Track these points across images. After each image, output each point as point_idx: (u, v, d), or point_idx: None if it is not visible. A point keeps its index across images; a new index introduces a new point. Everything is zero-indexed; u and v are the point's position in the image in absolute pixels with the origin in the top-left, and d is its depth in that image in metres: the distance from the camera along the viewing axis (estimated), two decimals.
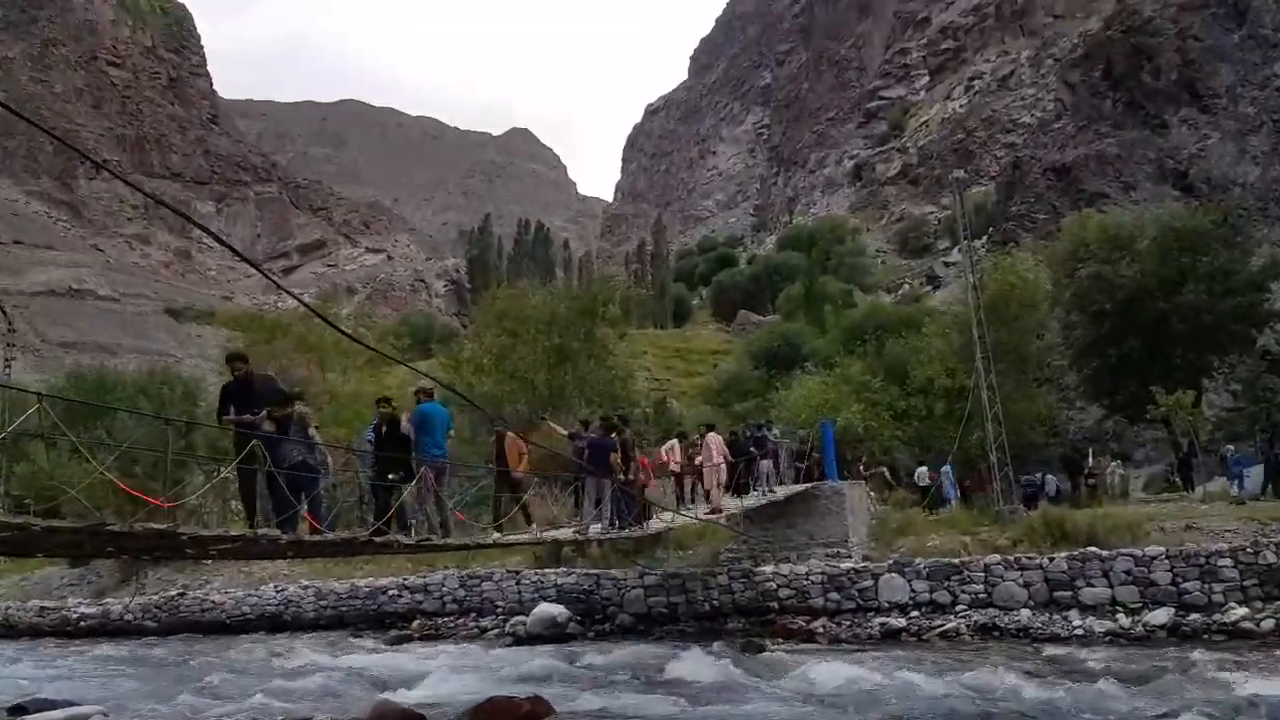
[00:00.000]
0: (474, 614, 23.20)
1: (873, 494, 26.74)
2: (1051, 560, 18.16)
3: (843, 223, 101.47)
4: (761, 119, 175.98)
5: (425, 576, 24.56)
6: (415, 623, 23.35)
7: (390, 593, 24.54)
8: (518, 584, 23.22)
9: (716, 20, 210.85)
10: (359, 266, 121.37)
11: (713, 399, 49.39)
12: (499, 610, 22.91)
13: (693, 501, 19.72)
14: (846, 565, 20.13)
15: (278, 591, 25.97)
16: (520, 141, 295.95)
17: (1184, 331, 28.81)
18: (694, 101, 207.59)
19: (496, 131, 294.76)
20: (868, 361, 38.38)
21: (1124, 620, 16.73)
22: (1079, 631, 16.75)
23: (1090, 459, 29.23)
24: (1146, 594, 17.16)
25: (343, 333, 8.50)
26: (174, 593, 27.25)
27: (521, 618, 21.63)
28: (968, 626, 17.71)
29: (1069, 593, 17.75)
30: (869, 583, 19.41)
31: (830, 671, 13.86)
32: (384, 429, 10.72)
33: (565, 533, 15.34)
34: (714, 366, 60.32)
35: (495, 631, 21.89)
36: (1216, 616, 16.22)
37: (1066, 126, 53.47)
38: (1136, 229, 31.76)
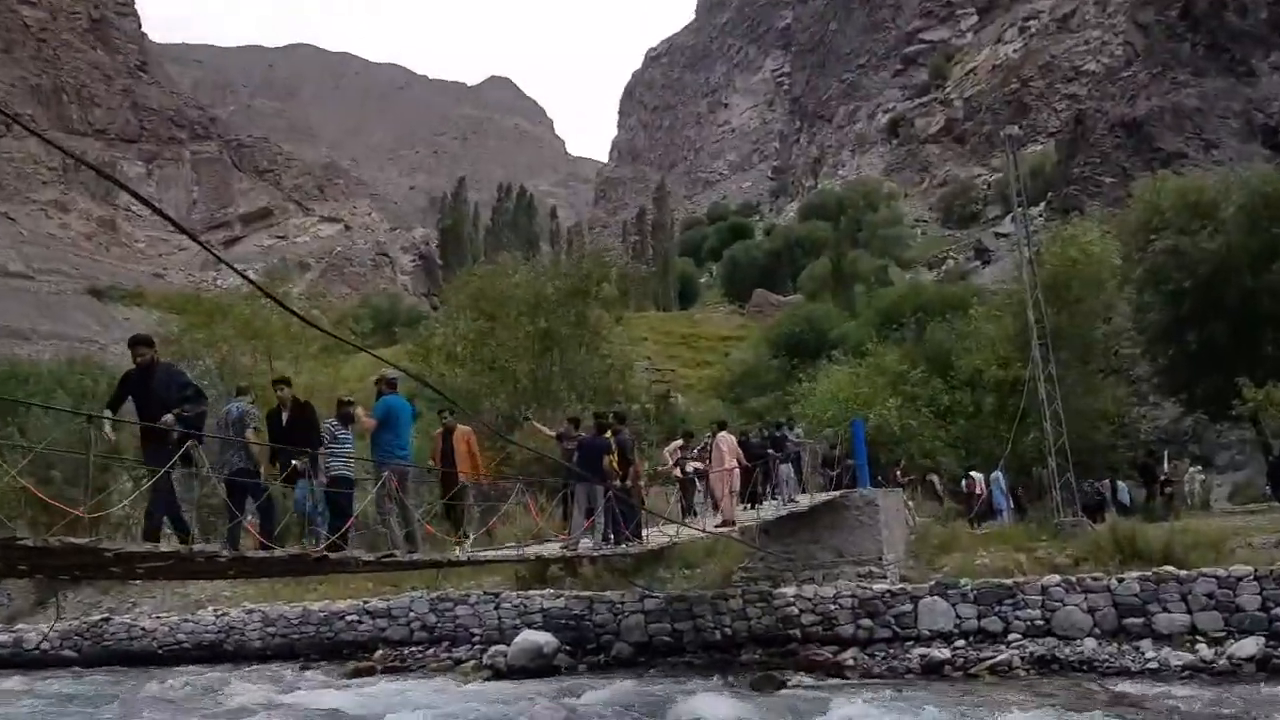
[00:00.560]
0: (446, 643, 23.17)
1: (911, 504, 26.75)
2: (1121, 581, 18.09)
3: (876, 187, 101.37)
4: (781, 66, 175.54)
5: (389, 599, 24.54)
6: (377, 653, 23.33)
7: (348, 618, 24.51)
8: (497, 608, 23.20)
9: None
10: (312, 238, 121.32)
11: (724, 393, 49.37)
12: (475, 639, 22.88)
13: (694, 514, 19.68)
14: (881, 587, 20.09)
15: (218, 617, 25.96)
16: (499, 92, 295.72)
17: (1275, 314, 28.74)
18: (702, 46, 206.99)
19: (472, 81, 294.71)
20: (905, 349, 38.33)
21: (1205, 652, 16.68)
22: (1152, 665, 16.70)
23: (1165, 464, 29.25)
24: (1232, 621, 17.11)
25: (294, 314, 8.43)
26: (97, 618, 27.23)
27: (502, 647, 21.59)
28: (1022, 659, 17.66)
29: (1141, 620, 17.69)
30: (907, 607, 19.38)
31: (861, 712, 13.83)
32: (284, 415, 10.34)
33: (552, 548, 15.30)
34: (725, 355, 60.30)
35: (471, 663, 21.85)
36: None
37: (1138, 74, 53.30)
38: (1220, 194, 31.67)
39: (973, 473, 29.46)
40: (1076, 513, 24.49)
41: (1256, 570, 17.40)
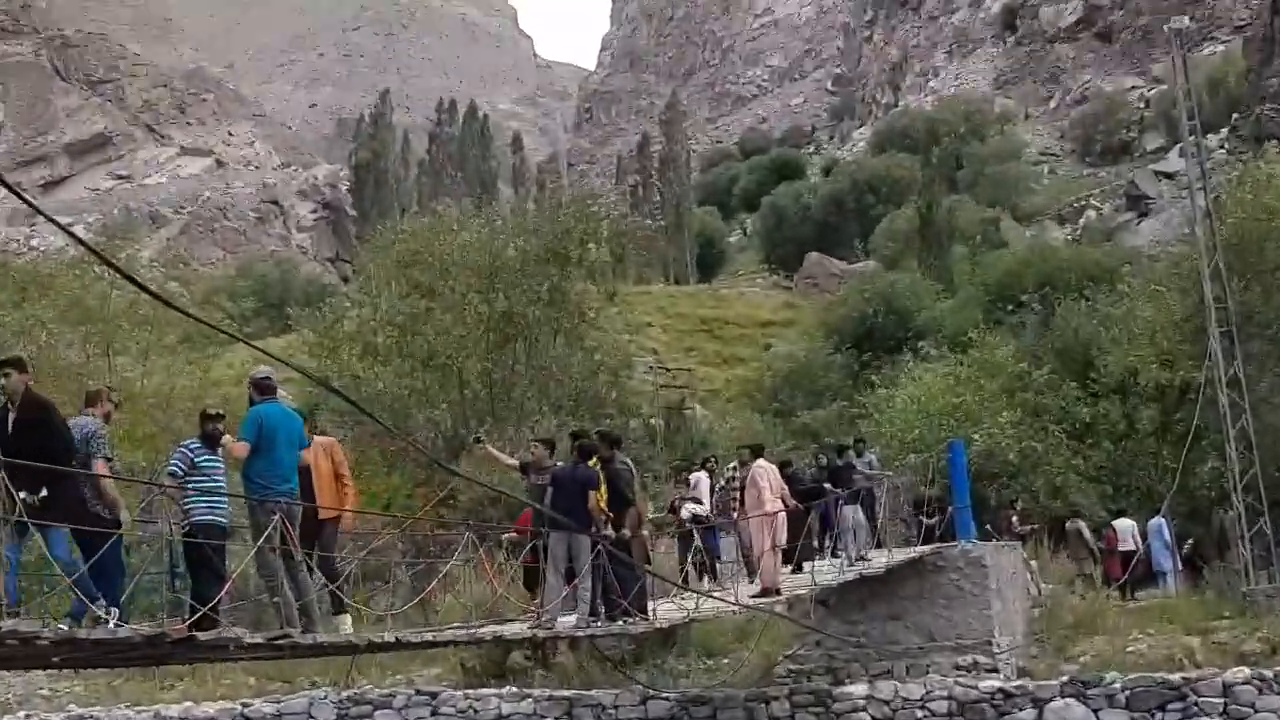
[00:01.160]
0: None
1: (1034, 563, 26.73)
2: None
3: (984, 106, 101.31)
4: None
5: (280, 701, 24.50)
6: None
7: None
8: (434, 713, 23.17)
9: None
10: (170, 178, 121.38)
11: (763, 403, 49.29)
12: None
13: (712, 578, 19.63)
14: (991, 684, 20.06)
15: None
16: None
17: None
18: None
19: None
20: (1026, 341, 38.21)
21: None
22: None
23: None
24: None
25: (142, 288, 8.39)
26: None
27: None
28: None
29: None
30: (1029, 713, 19.36)
31: None
32: (9, 418, 9.93)
33: (516, 627, 15.27)
34: (766, 349, 60.22)
35: None
36: None
37: None
38: None
39: (1122, 519, 29.40)
40: (1275, 577, 24.43)
41: None
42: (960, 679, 20.48)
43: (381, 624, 13.21)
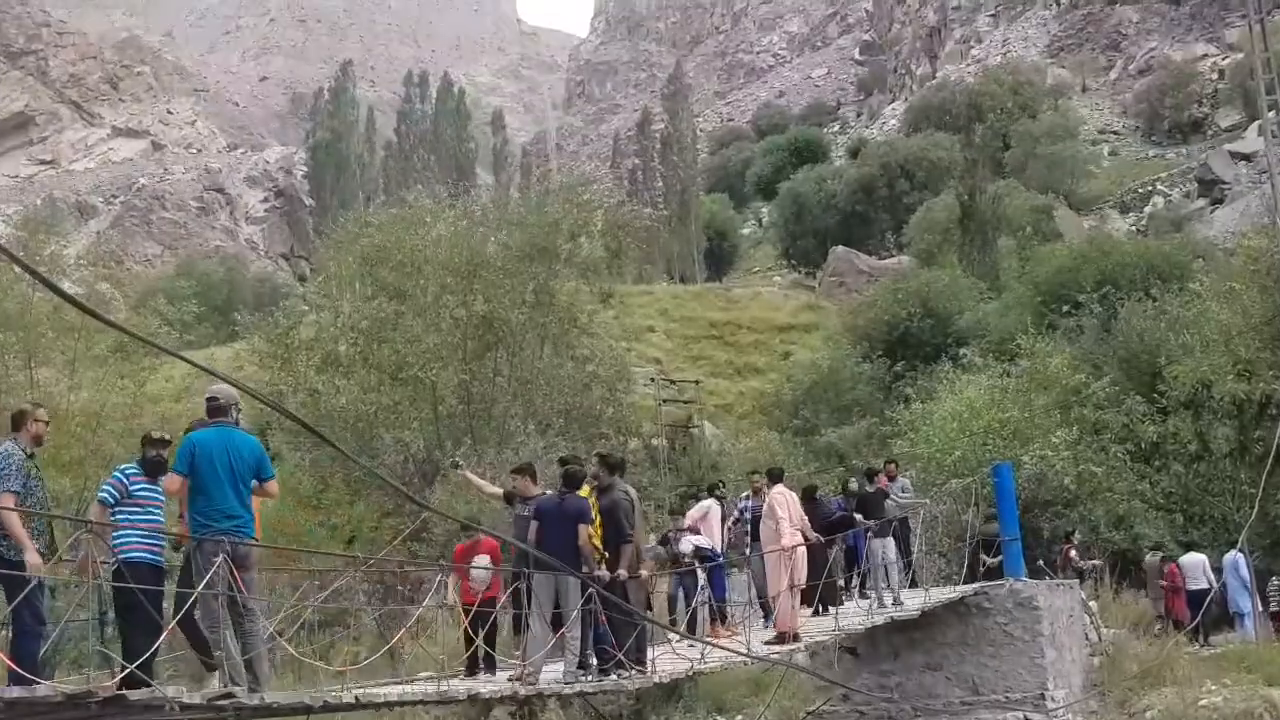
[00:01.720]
0: None
1: (1093, 604, 26.72)
2: None
3: (1034, 77, 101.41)
4: None
5: None
6: None
7: None
8: None
9: None
10: (100, 163, 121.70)
11: (783, 420, 49.31)
12: None
13: (721, 621, 19.64)
14: None
15: None
16: None
17: None
18: None
19: None
20: (1083, 347, 38.20)
21: None
22: None
23: None
24: None
25: (63, 295, 8.39)
26: None
27: None
28: None
29: None
30: None
31: None
32: None
33: (497, 681, 15.26)
34: (785, 357, 60.35)
35: None
36: None
37: None
38: None
39: (1190, 553, 29.36)
40: None
41: None
42: None
43: (341, 678, 13.17)
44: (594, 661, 15.03)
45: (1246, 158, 72.90)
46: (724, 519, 20.94)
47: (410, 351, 34.67)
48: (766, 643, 18.42)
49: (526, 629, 15.36)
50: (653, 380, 49.66)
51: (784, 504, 19.16)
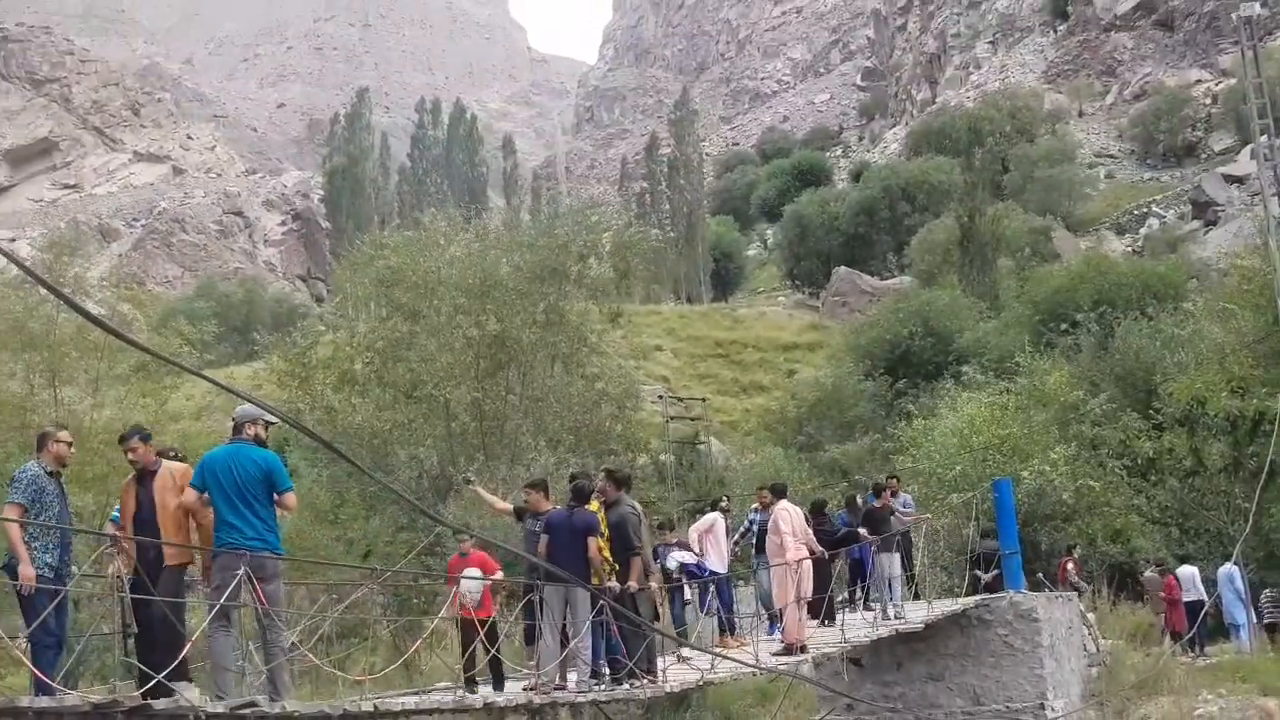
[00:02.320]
0: None
1: (1091, 615, 26.64)
2: None
3: (1032, 101, 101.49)
4: None
5: None
6: None
7: None
8: None
9: None
10: (121, 188, 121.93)
11: (787, 436, 49.27)
12: None
13: (727, 632, 19.56)
14: None
15: None
16: None
17: None
18: None
19: None
20: (1081, 365, 38.15)
21: None
22: None
23: None
24: None
25: (86, 315, 8.38)
26: None
27: None
28: None
29: None
30: None
31: None
32: None
33: (511, 691, 15.20)
34: (789, 375, 60.34)
35: None
36: None
37: None
38: None
39: (1184, 566, 29.32)
40: None
41: None
42: None
43: (359, 688, 13.12)
44: (606, 671, 14.98)
45: (1239, 180, 72.90)
46: (729, 532, 20.89)
47: (424, 370, 34.67)
48: (774, 654, 18.37)
49: (538, 640, 15.35)
50: (660, 398, 49.67)
51: (788, 519, 19.12)
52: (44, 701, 9.31)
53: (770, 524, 19.32)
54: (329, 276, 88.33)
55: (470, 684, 15.29)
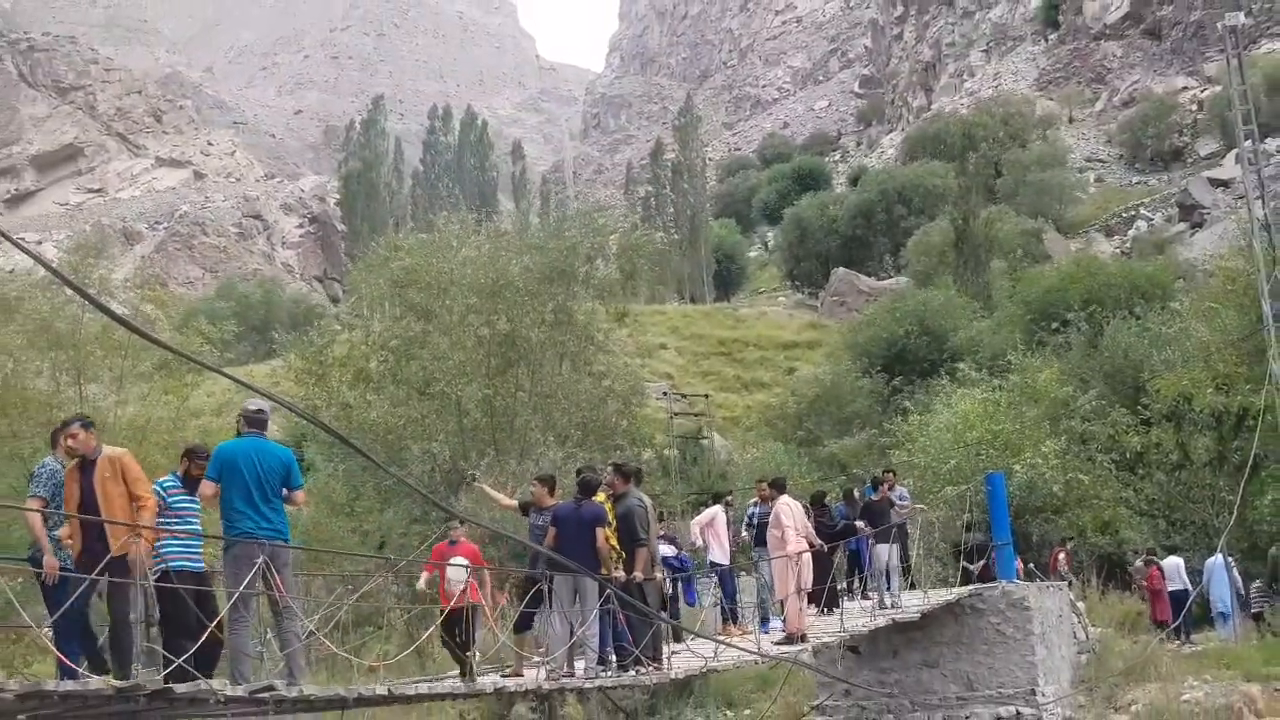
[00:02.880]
0: None
1: (1080, 604, 26.69)
2: None
3: (1024, 108, 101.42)
4: None
5: None
6: None
7: None
8: None
9: None
10: (145, 192, 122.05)
11: (787, 431, 49.31)
12: None
13: (733, 622, 19.61)
14: None
15: None
16: None
17: None
18: None
19: None
20: (1071, 362, 38.19)
21: None
22: None
23: None
24: None
25: (111, 315, 8.41)
26: None
27: None
28: None
29: None
30: None
31: None
32: None
33: (524, 678, 15.24)
34: (789, 373, 60.35)
35: None
36: None
37: None
38: None
39: (1169, 557, 29.34)
40: None
41: None
42: None
43: (373, 675, 13.19)
44: (613, 658, 15.03)
45: (1224, 184, 72.81)
46: (730, 524, 20.93)
47: (437, 368, 34.67)
48: (776, 642, 18.42)
49: (527, 629, 15.44)
50: (665, 394, 49.71)
51: (788, 513, 19.15)
52: (69, 685, 9.38)
53: (771, 518, 19.34)
54: (345, 277, 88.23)
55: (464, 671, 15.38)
